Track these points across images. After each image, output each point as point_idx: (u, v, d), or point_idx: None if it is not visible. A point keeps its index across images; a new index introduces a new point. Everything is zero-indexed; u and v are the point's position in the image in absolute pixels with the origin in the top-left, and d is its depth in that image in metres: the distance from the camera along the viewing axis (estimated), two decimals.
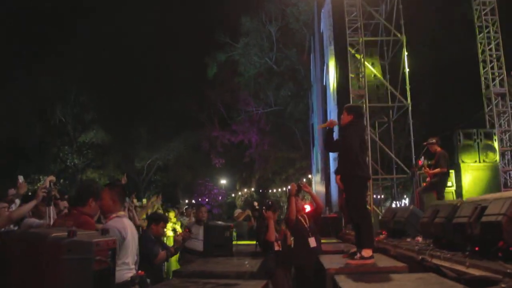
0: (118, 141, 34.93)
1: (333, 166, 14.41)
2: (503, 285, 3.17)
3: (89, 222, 3.88)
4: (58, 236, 1.88)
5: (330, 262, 5.03)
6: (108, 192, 3.97)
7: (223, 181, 39.09)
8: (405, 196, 24.31)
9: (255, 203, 8.40)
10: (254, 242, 7.07)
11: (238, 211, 13.62)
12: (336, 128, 5.86)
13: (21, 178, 5.93)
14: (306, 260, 6.33)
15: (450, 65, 22.22)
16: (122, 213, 3.95)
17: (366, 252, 4.88)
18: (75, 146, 33.94)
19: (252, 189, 36.62)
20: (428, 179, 9.02)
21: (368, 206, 12.10)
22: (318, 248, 6.59)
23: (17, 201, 5.60)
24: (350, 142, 5.10)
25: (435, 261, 4.56)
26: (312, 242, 6.47)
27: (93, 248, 1.93)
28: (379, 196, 17.50)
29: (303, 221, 6.62)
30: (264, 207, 7.02)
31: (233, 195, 38.85)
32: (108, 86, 33.99)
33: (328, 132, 5.66)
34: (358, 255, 4.92)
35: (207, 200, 36.27)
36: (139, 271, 4.04)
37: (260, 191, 35.43)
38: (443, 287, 3.32)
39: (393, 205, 17.92)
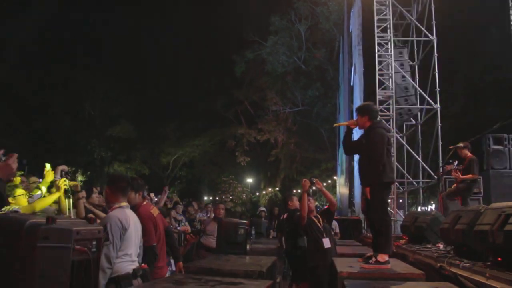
0: (144, 136, 35.30)
1: (357, 168, 14.14)
2: None
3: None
4: (36, 222, 1.78)
5: (344, 265, 4.84)
6: (111, 185, 3.95)
7: (248, 180, 39.03)
8: (432, 202, 23.84)
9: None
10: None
11: (261, 208, 13.55)
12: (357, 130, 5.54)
13: (47, 166, 5.92)
14: (319, 261, 6.18)
15: (483, 68, 21.65)
16: (124, 204, 3.92)
17: (382, 257, 4.68)
18: (102, 139, 34.37)
19: (277, 188, 36.47)
20: (454, 184, 8.68)
21: (391, 210, 11.88)
22: (333, 249, 6.40)
23: (44, 188, 5.58)
24: (376, 147, 4.82)
25: (453, 269, 4.32)
26: (326, 242, 6.29)
27: (72, 236, 1.82)
28: (401, 201, 17.13)
29: (316, 221, 6.44)
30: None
31: (257, 193, 38.76)
32: (136, 81, 34.47)
33: (346, 132, 5.38)
34: (374, 259, 4.71)
35: (231, 197, 36.26)
36: (143, 264, 3.97)
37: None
38: None
39: (419, 210, 17.55)
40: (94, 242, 2.06)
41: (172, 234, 5.53)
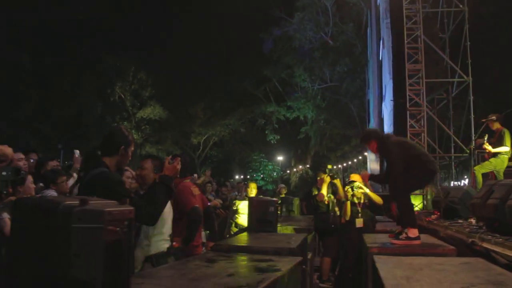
0: (175, 117, 35.61)
1: None
2: None
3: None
4: (70, 204, 1.85)
5: (374, 241, 4.85)
6: (149, 164, 4.06)
7: (279, 158, 39.11)
8: (465, 176, 23.49)
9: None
10: None
11: (280, 185, 13.44)
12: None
13: (77, 153, 6.11)
14: (350, 239, 6.36)
15: None
16: None
17: (412, 232, 4.60)
18: (133, 122, 34.85)
19: (307, 165, 36.45)
20: (486, 155, 8.50)
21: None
22: (367, 229, 6.60)
23: (75, 174, 5.75)
24: (396, 165, 4.73)
25: (485, 245, 4.28)
26: (359, 223, 6.55)
27: (104, 218, 1.88)
28: None
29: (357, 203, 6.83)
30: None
31: (288, 171, 38.86)
32: (165, 62, 34.66)
33: (373, 178, 5.66)
34: (404, 235, 4.64)
35: (262, 176, 36.43)
36: (174, 243, 4.09)
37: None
38: (489, 274, 3.04)
39: (452, 185, 17.35)
40: (126, 223, 2.11)
41: (212, 216, 5.65)
